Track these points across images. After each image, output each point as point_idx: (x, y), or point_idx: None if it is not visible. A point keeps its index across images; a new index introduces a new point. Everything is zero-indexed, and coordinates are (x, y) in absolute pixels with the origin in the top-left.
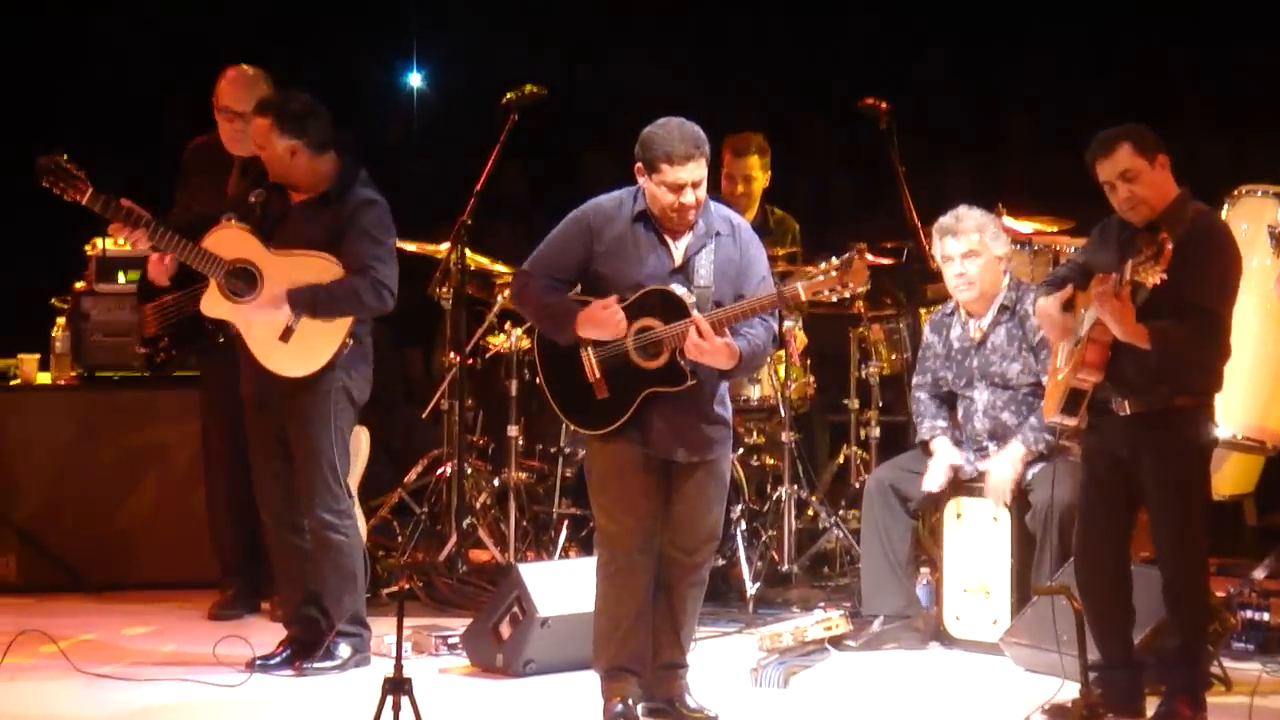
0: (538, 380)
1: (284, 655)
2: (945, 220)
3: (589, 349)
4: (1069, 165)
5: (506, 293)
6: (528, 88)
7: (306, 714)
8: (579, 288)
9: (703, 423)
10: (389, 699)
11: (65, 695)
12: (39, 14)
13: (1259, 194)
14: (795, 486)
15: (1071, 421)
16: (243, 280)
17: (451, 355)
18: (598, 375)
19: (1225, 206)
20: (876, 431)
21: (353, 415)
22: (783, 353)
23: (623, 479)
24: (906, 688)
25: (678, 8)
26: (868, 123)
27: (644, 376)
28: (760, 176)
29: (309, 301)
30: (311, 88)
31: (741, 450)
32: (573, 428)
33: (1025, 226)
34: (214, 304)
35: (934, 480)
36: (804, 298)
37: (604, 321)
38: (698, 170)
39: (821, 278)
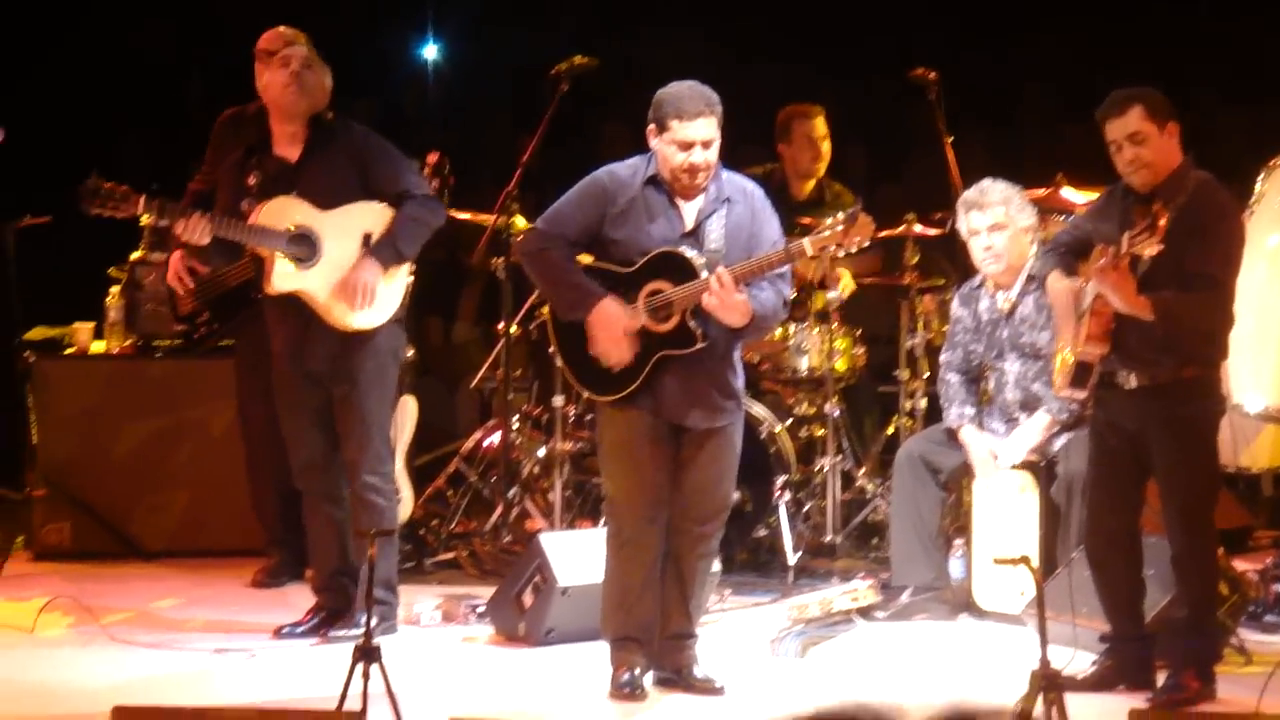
0: (550, 349)
1: (311, 623)
2: (970, 194)
3: None
4: (1087, 136)
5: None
6: (577, 58)
7: (322, 681)
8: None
9: (715, 388)
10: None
11: (90, 661)
12: None
13: None
14: (840, 457)
15: (1080, 394)
16: (304, 245)
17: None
18: None
19: (1261, 177)
20: (923, 402)
21: (397, 375)
22: (828, 325)
23: (633, 449)
24: (921, 659)
25: None
26: (880, 94)
27: (655, 340)
28: (828, 135)
29: (393, 249)
30: (327, 58)
31: (790, 421)
32: (586, 395)
33: (1083, 197)
34: (284, 279)
35: (984, 473)
36: (810, 253)
37: (612, 341)
38: (708, 129)
39: (827, 233)
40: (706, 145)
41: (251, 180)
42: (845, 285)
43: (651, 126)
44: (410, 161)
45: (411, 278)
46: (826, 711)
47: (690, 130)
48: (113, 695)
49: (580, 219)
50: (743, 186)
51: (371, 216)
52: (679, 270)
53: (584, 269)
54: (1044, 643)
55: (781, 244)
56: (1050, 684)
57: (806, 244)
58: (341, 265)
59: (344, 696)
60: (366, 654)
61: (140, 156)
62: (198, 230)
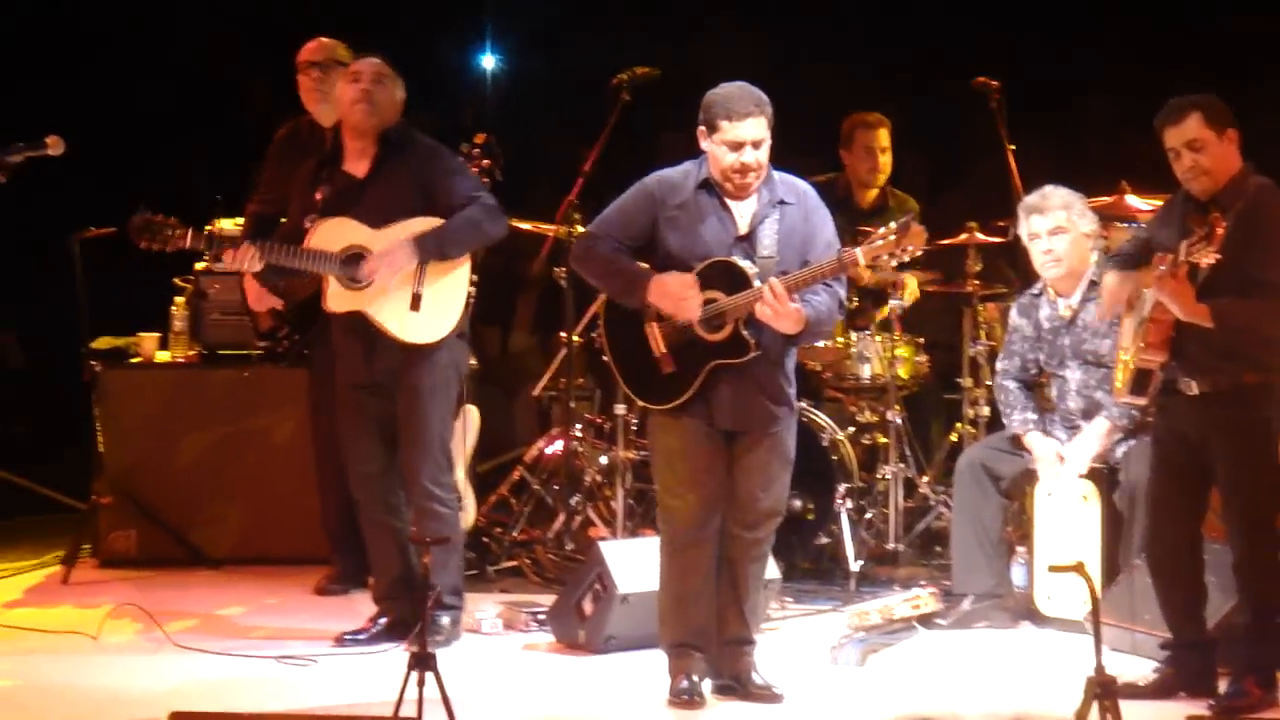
0: (604, 358)
1: (373, 631)
2: (1031, 199)
3: (654, 324)
4: (1151, 142)
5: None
6: (639, 68)
7: (384, 688)
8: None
9: (766, 396)
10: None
11: (154, 668)
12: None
13: None
14: (902, 465)
15: (1141, 401)
16: (357, 266)
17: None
18: (663, 350)
19: None
20: (985, 410)
21: (459, 389)
22: (889, 333)
23: (686, 455)
24: (981, 667)
25: None
26: (941, 102)
27: (708, 349)
28: (890, 148)
29: (436, 244)
30: None
31: (853, 429)
32: (640, 404)
33: (1148, 204)
34: (338, 299)
35: (1050, 476)
36: (863, 262)
37: (679, 299)
38: (758, 128)
39: (880, 242)
40: (757, 145)
41: (319, 195)
42: (910, 292)
43: (701, 128)
44: (477, 178)
45: (473, 289)
46: None
47: (740, 130)
48: (175, 701)
49: (628, 221)
50: (795, 187)
51: (428, 229)
52: (732, 279)
53: None
54: (1099, 649)
55: (835, 247)
56: (1105, 691)
57: (859, 253)
58: (396, 283)
59: (399, 703)
60: (421, 661)
61: (203, 166)
62: (247, 260)
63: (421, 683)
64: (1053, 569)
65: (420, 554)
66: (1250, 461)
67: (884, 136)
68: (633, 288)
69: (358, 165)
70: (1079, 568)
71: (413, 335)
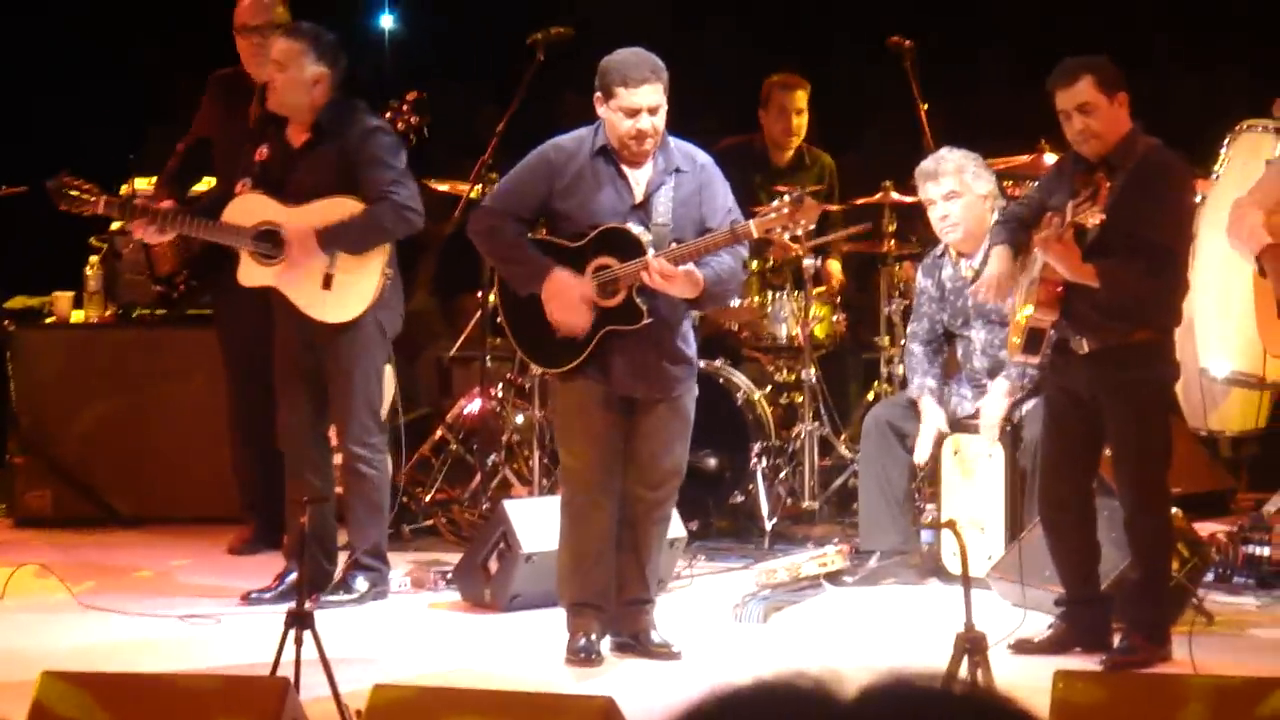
0: (499, 319)
1: (279, 588)
2: (925, 164)
3: None
4: (1044, 102)
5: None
6: (554, 28)
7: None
8: (542, 229)
9: (664, 360)
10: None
11: (57, 628)
12: None
13: (1259, 129)
14: (818, 424)
15: (1034, 360)
16: (270, 242)
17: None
18: None
19: (1226, 141)
20: (900, 368)
21: (386, 350)
22: (804, 292)
23: (584, 416)
24: (883, 624)
25: None
26: (845, 61)
27: (601, 315)
28: (806, 110)
29: (338, 238)
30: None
31: (770, 388)
32: (534, 367)
33: None
34: (250, 273)
35: (923, 452)
36: (755, 234)
37: (569, 312)
38: (654, 95)
39: (773, 215)
40: (653, 111)
41: (258, 156)
42: (834, 276)
43: (598, 94)
44: (400, 169)
45: (391, 271)
46: (766, 680)
47: (636, 97)
48: (71, 661)
49: (527, 195)
50: (691, 156)
51: (344, 212)
52: (625, 246)
53: (532, 242)
54: (969, 606)
55: (735, 214)
56: (974, 647)
57: (753, 226)
58: (305, 262)
59: (276, 663)
60: (297, 620)
61: (105, 123)
62: (159, 230)
63: (299, 642)
64: (926, 526)
65: (319, 512)
66: (1139, 419)
67: (801, 98)
68: (530, 280)
69: (296, 135)
70: (950, 524)
71: (324, 314)
